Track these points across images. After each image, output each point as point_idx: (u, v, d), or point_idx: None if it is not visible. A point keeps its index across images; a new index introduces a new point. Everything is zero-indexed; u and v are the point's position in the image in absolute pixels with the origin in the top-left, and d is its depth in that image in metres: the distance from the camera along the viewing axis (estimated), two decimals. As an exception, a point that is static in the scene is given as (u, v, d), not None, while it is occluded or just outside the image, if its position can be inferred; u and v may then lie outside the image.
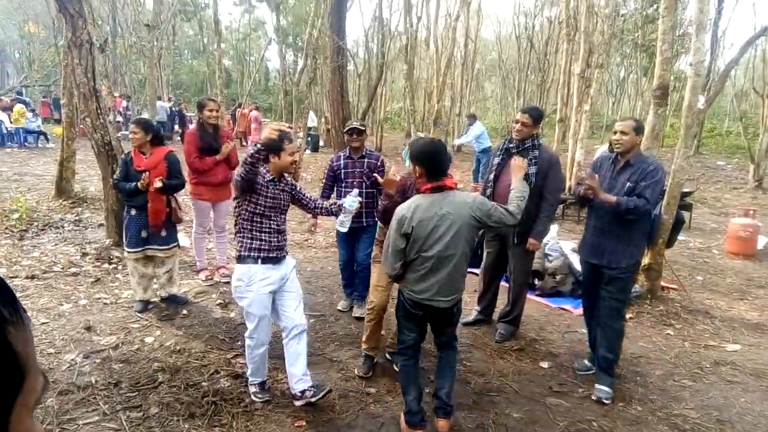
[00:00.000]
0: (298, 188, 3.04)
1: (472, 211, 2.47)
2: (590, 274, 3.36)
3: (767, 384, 3.36)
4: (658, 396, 3.17)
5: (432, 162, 2.49)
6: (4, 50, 31.20)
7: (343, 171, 4.08)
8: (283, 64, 19.53)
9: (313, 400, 2.81)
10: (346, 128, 4.12)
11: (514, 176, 2.83)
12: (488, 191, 3.73)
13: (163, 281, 4.18)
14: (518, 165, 2.87)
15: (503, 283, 4.17)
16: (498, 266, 4.03)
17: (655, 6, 15.58)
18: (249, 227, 2.81)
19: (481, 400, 3.04)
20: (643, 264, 4.52)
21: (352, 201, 3.04)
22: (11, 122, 14.60)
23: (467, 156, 15.47)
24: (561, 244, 5.23)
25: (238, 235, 2.86)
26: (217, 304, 4.30)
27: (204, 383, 3.05)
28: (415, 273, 2.53)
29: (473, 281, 4.32)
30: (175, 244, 4.17)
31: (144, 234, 3.97)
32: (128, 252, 4.03)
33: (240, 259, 2.83)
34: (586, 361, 3.47)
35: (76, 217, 6.85)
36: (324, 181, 4.27)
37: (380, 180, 3.20)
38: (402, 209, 2.50)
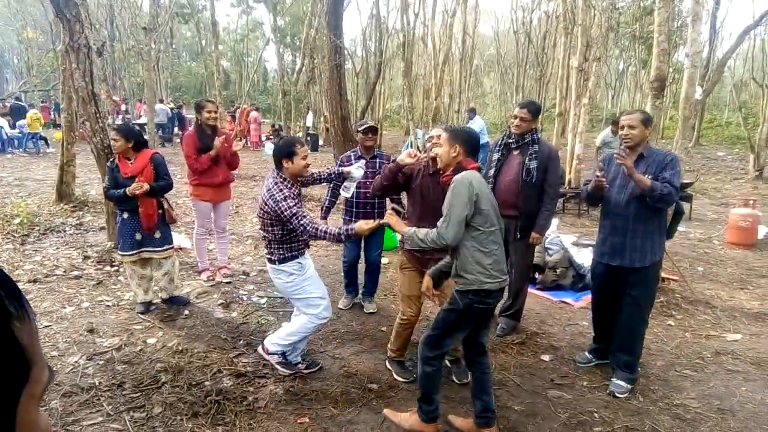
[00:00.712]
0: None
1: None
2: (606, 276, 3.20)
3: (768, 373, 3.37)
4: (660, 386, 3.18)
5: (475, 145, 2.67)
6: (2, 56, 31.27)
7: None
8: (281, 64, 19.57)
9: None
10: (362, 127, 4.05)
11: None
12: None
13: (163, 284, 4.17)
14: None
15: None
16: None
17: (651, -3, 15.55)
18: (288, 237, 2.97)
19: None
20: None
21: (358, 167, 3.39)
22: (11, 128, 14.65)
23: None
24: (561, 237, 5.23)
25: (274, 243, 2.99)
26: (219, 305, 4.32)
27: (207, 383, 3.06)
28: (484, 252, 2.43)
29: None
30: (170, 246, 4.13)
31: (138, 237, 3.94)
32: (122, 255, 4.01)
33: (283, 261, 3.01)
34: (587, 354, 3.48)
35: (78, 221, 6.88)
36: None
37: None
38: (464, 177, 2.43)
